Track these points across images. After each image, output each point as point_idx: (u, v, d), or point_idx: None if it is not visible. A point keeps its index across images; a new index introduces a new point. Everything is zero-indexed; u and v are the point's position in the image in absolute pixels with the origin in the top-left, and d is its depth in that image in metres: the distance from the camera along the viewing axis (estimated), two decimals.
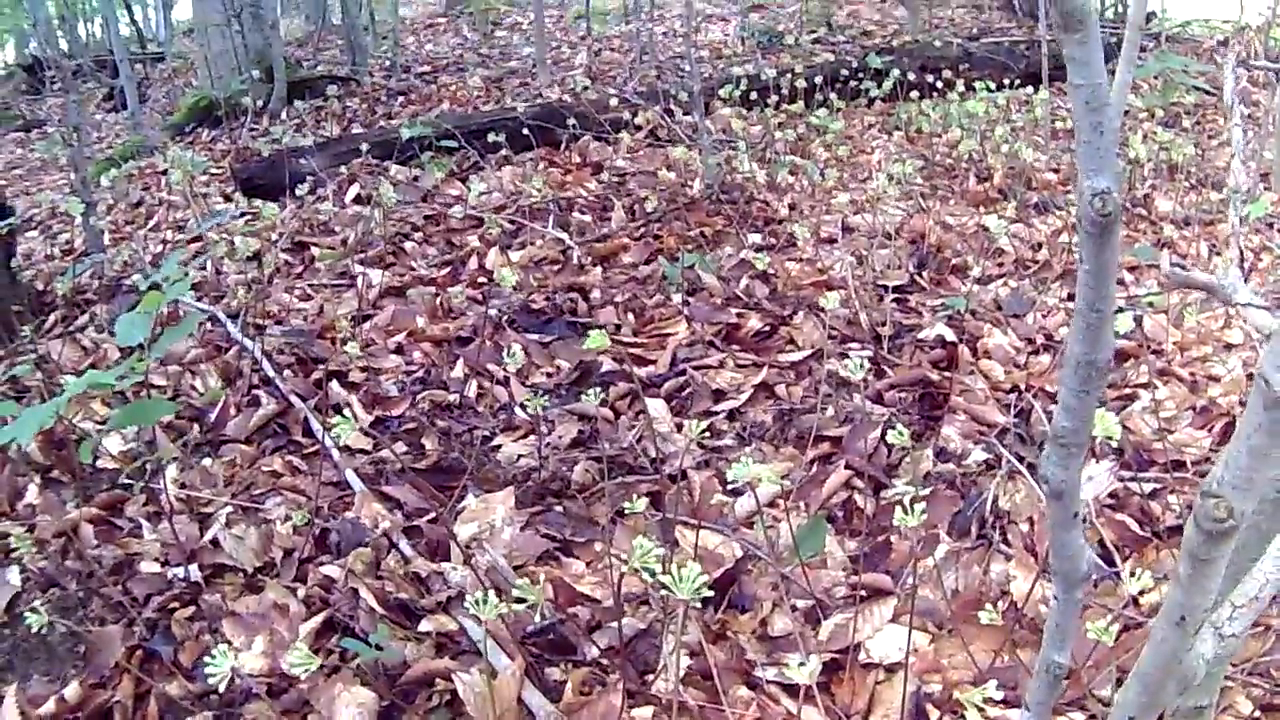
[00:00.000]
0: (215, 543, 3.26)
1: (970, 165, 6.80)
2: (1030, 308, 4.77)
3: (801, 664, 2.00)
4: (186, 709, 2.70)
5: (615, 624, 2.76)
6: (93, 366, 4.49)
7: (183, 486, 3.50)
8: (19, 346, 4.67)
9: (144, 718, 2.72)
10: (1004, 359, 4.29)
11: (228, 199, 7.09)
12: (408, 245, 5.77)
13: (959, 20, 13.39)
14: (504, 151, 7.22)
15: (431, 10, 19.10)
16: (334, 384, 4.24)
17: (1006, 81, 8.43)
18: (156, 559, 3.23)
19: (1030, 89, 8.10)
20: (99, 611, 3.08)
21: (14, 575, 3.23)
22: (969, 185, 6.54)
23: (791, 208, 6.06)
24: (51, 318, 5.17)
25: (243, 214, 6.39)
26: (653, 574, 2.12)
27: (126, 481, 3.64)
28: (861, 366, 3.29)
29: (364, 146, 7.01)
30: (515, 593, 2.38)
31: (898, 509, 2.33)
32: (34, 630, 2.60)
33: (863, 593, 2.89)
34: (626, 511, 2.72)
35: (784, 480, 3.46)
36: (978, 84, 7.59)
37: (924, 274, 5.14)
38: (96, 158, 9.14)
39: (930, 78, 8.10)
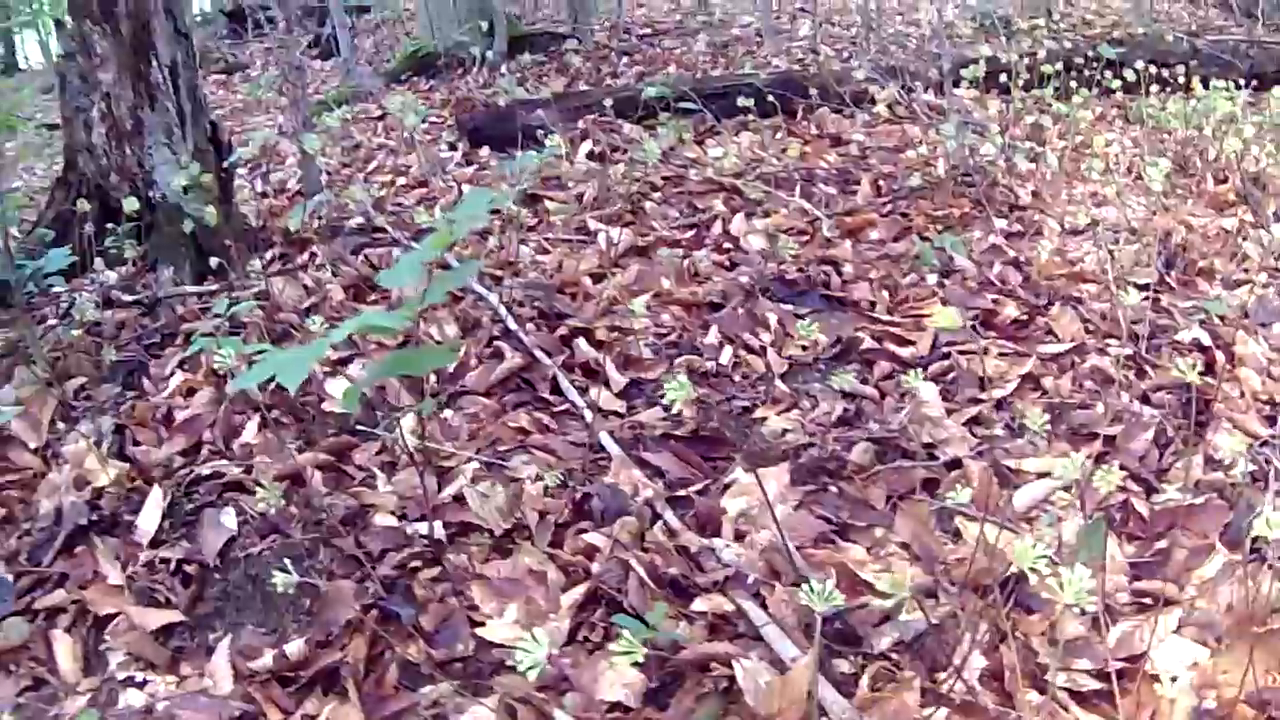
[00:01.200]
0: (459, 499, 3.08)
1: (1209, 165, 6.40)
2: (1278, 318, 4.44)
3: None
4: (425, 677, 2.53)
5: (904, 617, 2.59)
6: (314, 307, 4.37)
7: (420, 438, 3.30)
8: (238, 281, 4.55)
9: (378, 683, 2.55)
10: (1257, 368, 3.97)
11: (452, 147, 6.96)
12: (647, 205, 5.57)
13: (1176, 16, 12.89)
14: (740, 117, 6.98)
15: None
16: (581, 341, 4.02)
17: (1233, 81, 7.99)
18: (392, 512, 3.06)
19: (1255, 90, 7.68)
20: (328, 565, 2.91)
21: (230, 517, 3.09)
22: (1207, 186, 6.15)
23: (1034, 195, 5.74)
24: (269, 254, 5.06)
25: (468, 162, 6.25)
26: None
27: (358, 428, 3.47)
28: (1123, 364, 3.03)
29: (605, 102, 6.85)
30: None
31: (1259, 522, 2.11)
32: (252, 578, 2.42)
33: (1146, 600, 2.70)
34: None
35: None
36: (1211, 82, 7.17)
37: (1171, 274, 4.82)
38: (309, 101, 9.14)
39: (1160, 71, 7.69)
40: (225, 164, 5.02)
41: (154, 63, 4.93)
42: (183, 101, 5.04)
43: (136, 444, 3.59)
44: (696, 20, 12.81)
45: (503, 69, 9.43)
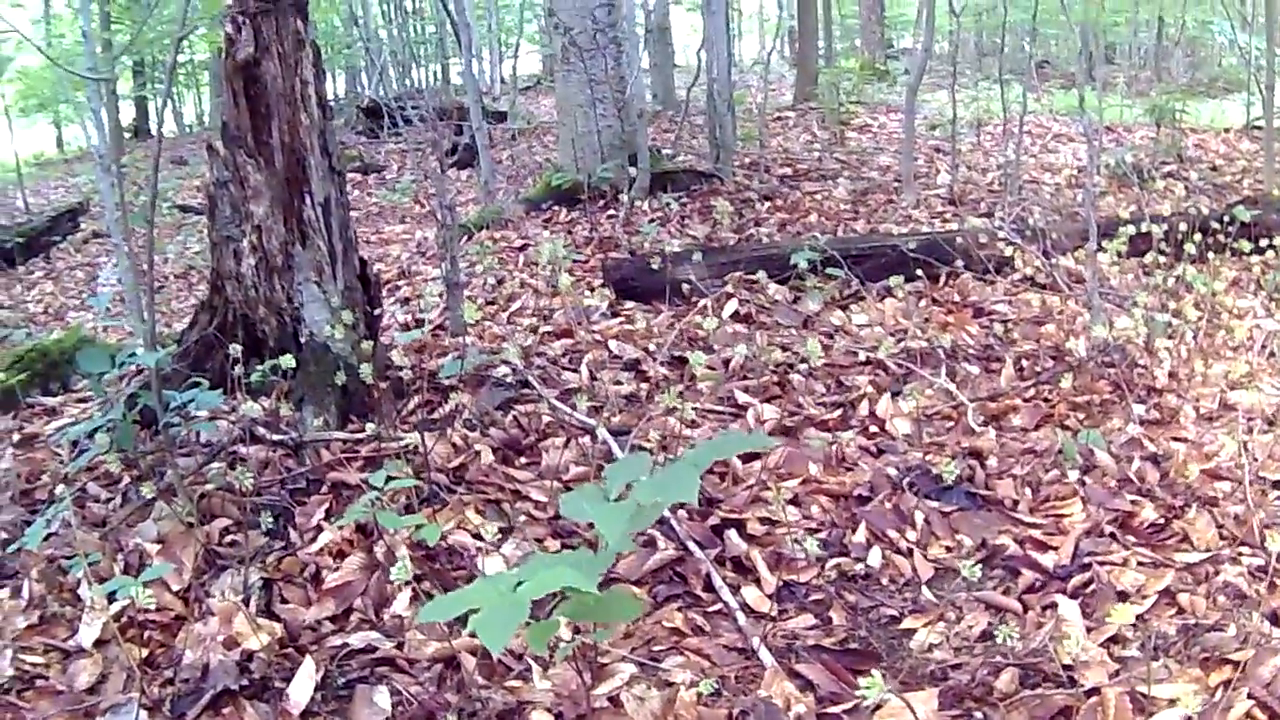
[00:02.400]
0: (614, 700, 3.16)
1: None
2: None
3: None
4: None
5: None
6: (463, 467, 4.48)
7: (577, 631, 3.39)
8: (386, 431, 4.68)
9: None
10: None
11: (592, 290, 7.11)
12: (793, 377, 5.66)
13: None
14: (884, 282, 7.07)
15: (780, 101, 19.23)
16: (733, 533, 4.11)
17: None
18: (548, 709, 3.14)
19: None
20: None
21: (383, 697, 3.19)
22: None
23: (1171, 375, 5.75)
24: (413, 402, 5.19)
25: (614, 314, 6.37)
26: None
27: None
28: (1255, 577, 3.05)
29: (751, 259, 6.96)
30: None
31: None
32: None
33: None
34: None
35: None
36: None
37: None
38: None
39: None
40: (376, 310, 5.15)
41: (307, 200, 5.12)
42: (334, 240, 5.22)
43: (284, 601, 3.72)
44: (833, 158, 12.92)
45: (645, 205, 9.59)
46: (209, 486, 4.07)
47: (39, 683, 3.55)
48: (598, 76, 10.34)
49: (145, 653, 3.58)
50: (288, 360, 4.32)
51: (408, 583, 3.68)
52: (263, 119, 5.06)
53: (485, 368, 5.58)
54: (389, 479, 3.69)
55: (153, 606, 3.37)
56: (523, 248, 8.73)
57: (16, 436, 5.75)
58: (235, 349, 4.47)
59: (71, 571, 3.98)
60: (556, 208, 10.31)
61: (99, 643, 3.66)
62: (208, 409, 4.71)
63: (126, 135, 25.97)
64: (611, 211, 9.62)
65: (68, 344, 6.79)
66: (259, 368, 4.78)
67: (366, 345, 4.78)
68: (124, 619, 3.69)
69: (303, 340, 5.06)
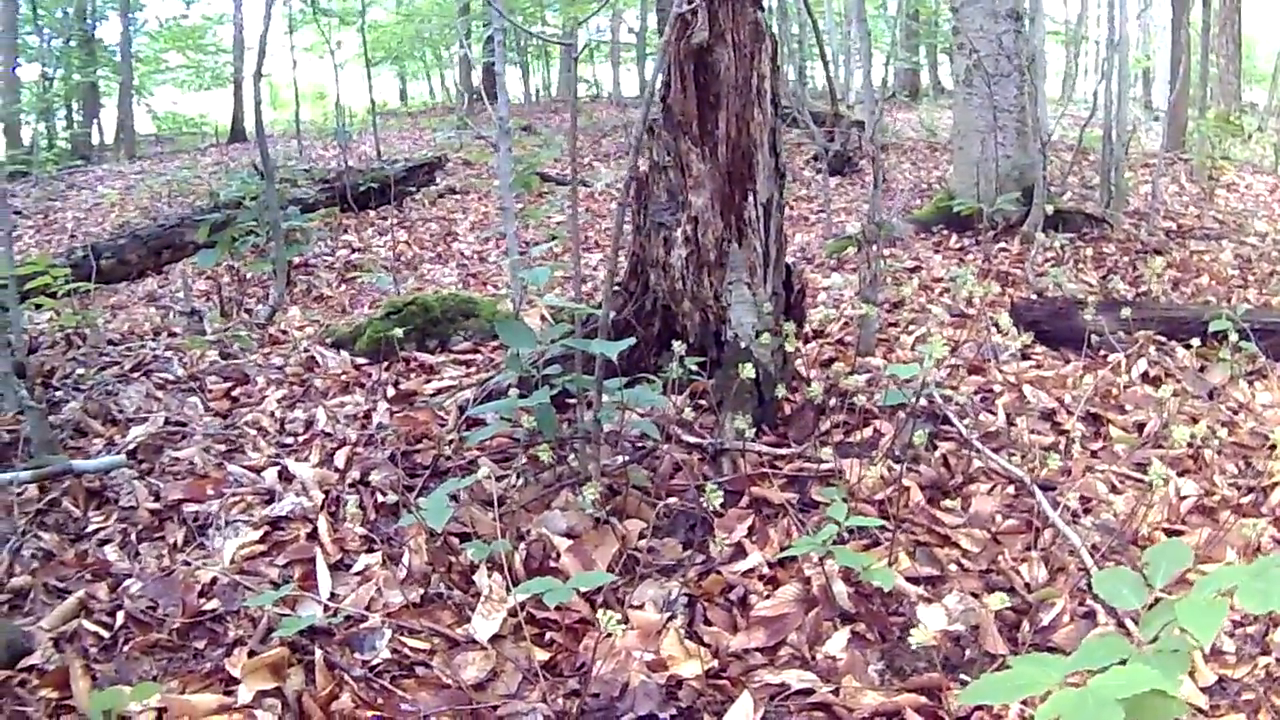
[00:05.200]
0: None
1: None
2: None
3: None
4: None
5: None
6: (890, 501, 4.20)
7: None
8: (807, 449, 4.43)
9: None
10: None
11: (998, 328, 6.77)
12: (1205, 453, 5.23)
13: None
14: None
15: (1148, 149, 18.54)
16: None
17: None
18: None
19: None
20: None
21: None
22: None
23: None
24: (827, 421, 4.93)
25: (1024, 356, 6.04)
26: None
27: (948, 662, 3.28)
28: None
29: (1157, 319, 6.57)
30: None
31: None
32: None
33: None
34: None
35: None
36: None
37: None
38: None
39: None
40: (799, 322, 4.90)
41: (750, 198, 4.89)
42: (769, 243, 4.98)
43: (707, 623, 3.49)
44: (1211, 216, 12.34)
45: (1037, 236, 9.22)
46: (589, 490, 3.83)
47: (419, 670, 3.39)
48: (1000, 103, 10.00)
49: (548, 656, 3.39)
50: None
51: (845, 619, 3.44)
52: (710, 108, 4.85)
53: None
54: (847, 514, 3.45)
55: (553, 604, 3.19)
56: (914, 269, 8.42)
57: (391, 390, 5.67)
58: (679, 346, 4.27)
59: (466, 552, 3.81)
60: (946, 232, 10.03)
61: (494, 637, 3.49)
62: (648, 405, 4.51)
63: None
64: (1003, 244, 9.25)
65: (452, 302, 6.73)
66: (677, 364, 4.53)
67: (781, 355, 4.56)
68: (521, 614, 3.51)
69: (725, 341, 4.85)
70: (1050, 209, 9.49)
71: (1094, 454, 5.06)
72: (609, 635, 2.97)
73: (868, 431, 4.82)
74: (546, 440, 4.09)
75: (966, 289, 6.09)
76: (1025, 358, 6.16)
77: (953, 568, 3.88)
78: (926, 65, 30.69)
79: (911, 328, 6.71)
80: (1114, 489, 4.71)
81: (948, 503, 4.29)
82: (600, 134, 20.71)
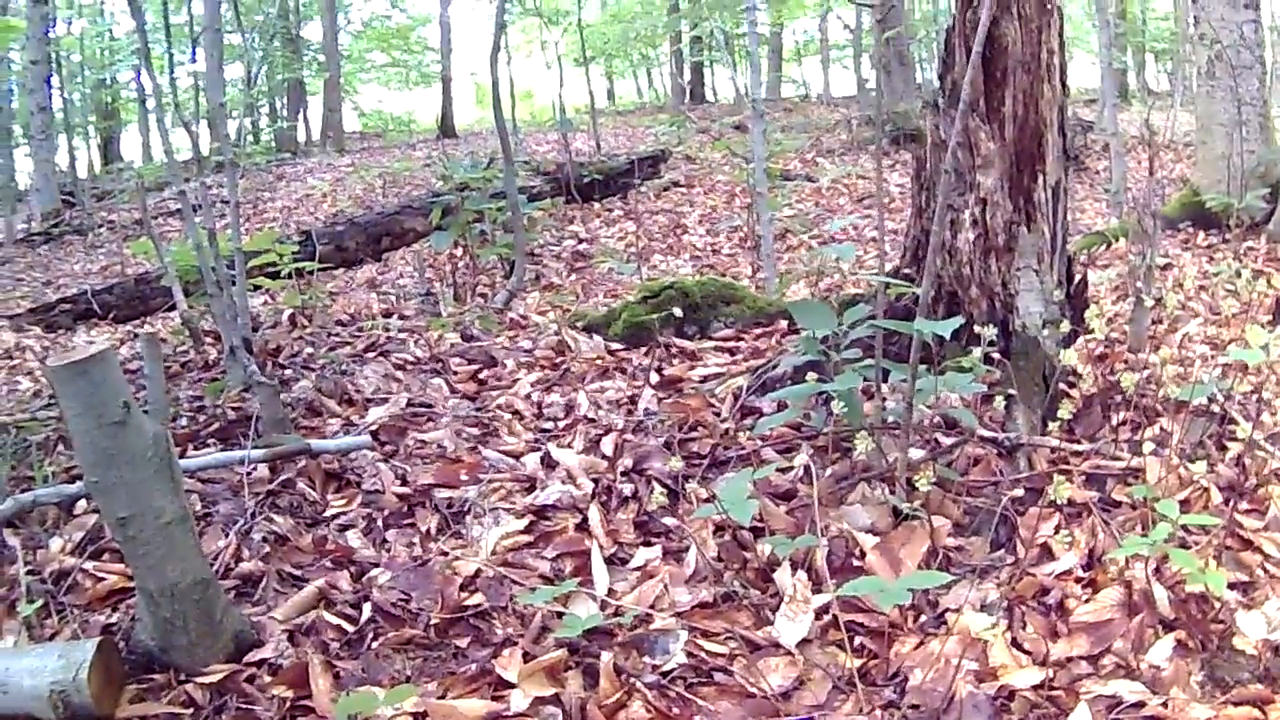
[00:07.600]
0: None
1: None
2: None
3: None
4: None
5: None
6: (1186, 503, 3.88)
7: None
8: (1103, 448, 4.14)
9: None
10: None
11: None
12: None
13: None
14: None
15: None
16: None
17: None
18: None
19: None
20: None
21: None
22: None
23: None
24: (1115, 418, 4.62)
25: None
26: None
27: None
28: None
29: None
30: None
31: None
32: None
33: None
34: None
35: None
36: None
37: None
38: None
39: None
40: (1082, 312, 4.60)
41: (1039, 179, 4.61)
42: (1056, 227, 4.71)
43: (1023, 627, 3.23)
44: None
45: None
46: (921, 480, 3.57)
47: (718, 677, 3.16)
48: (1243, 96, 9.57)
49: (858, 662, 3.15)
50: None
51: (1167, 626, 3.16)
52: (996, 85, 4.57)
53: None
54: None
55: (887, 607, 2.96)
56: (1165, 267, 8.05)
57: (655, 377, 5.49)
58: (988, 331, 4.04)
59: (761, 548, 3.60)
60: (1193, 229, 9.63)
61: (800, 642, 3.25)
62: (965, 393, 4.26)
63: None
64: (1250, 244, 8.82)
65: (712, 288, 6.56)
66: (979, 352, 4.20)
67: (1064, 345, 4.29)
68: (826, 616, 3.29)
69: (1013, 330, 4.57)
70: None
71: None
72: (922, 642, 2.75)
73: (1154, 430, 4.52)
74: (853, 429, 3.87)
75: (1242, 284, 5.72)
76: None
77: (1260, 573, 3.56)
78: (1135, 67, 29.85)
79: (1175, 327, 6.37)
80: None
81: (1244, 505, 3.97)
82: (822, 130, 20.38)
